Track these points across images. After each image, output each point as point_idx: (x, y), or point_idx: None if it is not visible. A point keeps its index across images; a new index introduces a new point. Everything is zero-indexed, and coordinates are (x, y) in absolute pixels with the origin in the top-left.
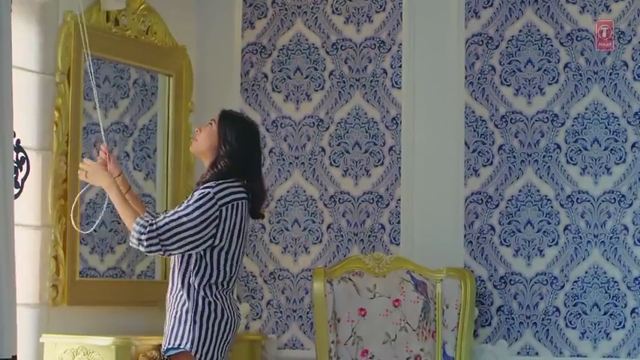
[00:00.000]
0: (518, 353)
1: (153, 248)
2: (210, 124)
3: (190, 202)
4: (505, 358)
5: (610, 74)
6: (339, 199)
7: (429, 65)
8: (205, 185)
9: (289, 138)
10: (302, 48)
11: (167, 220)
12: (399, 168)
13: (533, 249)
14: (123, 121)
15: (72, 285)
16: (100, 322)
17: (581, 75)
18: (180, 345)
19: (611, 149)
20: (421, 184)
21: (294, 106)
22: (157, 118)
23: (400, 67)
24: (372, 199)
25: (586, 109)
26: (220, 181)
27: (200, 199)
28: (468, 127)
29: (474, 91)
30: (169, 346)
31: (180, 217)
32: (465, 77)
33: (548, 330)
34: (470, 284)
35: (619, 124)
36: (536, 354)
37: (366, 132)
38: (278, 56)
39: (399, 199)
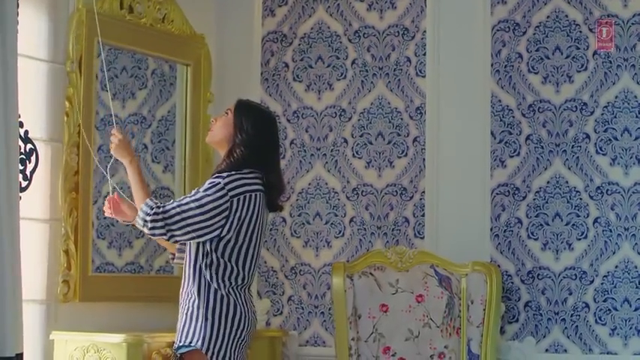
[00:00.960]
0: (547, 350)
1: (157, 231)
2: (227, 113)
3: (200, 190)
4: (533, 356)
5: None
6: (362, 191)
7: (454, 53)
8: (217, 174)
9: (311, 129)
10: (324, 36)
11: (175, 204)
12: (424, 159)
13: (562, 242)
14: (141, 112)
15: (84, 280)
16: (114, 318)
17: (610, 62)
18: (191, 342)
19: None
20: (446, 176)
21: (316, 96)
22: (175, 110)
23: (424, 55)
24: (396, 191)
25: (616, 97)
26: (233, 172)
27: (210, 187)
28: (494, 117)
29: (500, 79)
30: (181, 344)
31: (187, 203)
32: (491, 65)
33: (577, 326)
34: (496, 279)
35: None
36: (565, 351)
37: (390, 122)
38: (299, 45)
39: (424, 192)
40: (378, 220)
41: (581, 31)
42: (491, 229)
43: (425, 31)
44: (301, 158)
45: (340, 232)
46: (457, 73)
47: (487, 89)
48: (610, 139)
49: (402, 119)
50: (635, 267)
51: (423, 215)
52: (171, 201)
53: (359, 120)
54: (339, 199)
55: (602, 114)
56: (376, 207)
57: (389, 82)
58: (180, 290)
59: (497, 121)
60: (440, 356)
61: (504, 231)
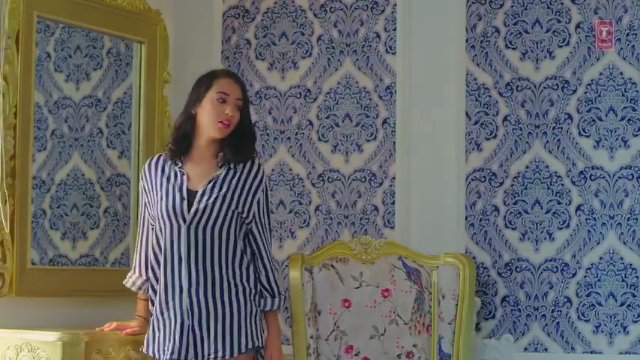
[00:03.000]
0: (526, 349)
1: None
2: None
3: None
4: (510, 355)
5: (627, 35)
6: (328, 177)
7: (426, 28)
8: (258, 164)
9: (274, 111)
10: (288, 11)
11: (268, 250)
12: (394, 143)
13: (542, 232)
14: (96, 94)
15: (22, 274)
16: (57, 315)
17: (594, 36)
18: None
19: (629, 119)
20: (418, 161)
21: (280, 75)
22: (132, 91)
23: (394, 30)
24: (364, 177)
25: (600, 74)
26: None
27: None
28: (469, 97)
29: (475, 55)
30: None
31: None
32: (466, 40)
33: (558, 323)
34: (469, 272)
35: (637, 91)
36: (545, 350)
37: (358, 103)
38: (262, 20)
39: (394, 178)
40: (345, 208)
41: (562, 3)
42: (465, 218)
43: (395, 5)
44: (264, 142)
45: (305, 221)
46: (430, 50)
47: (462, 66)
48: (594, 120)
49: (370, 99)
50: (621, 258)
51: (393, 203)
52: (264, 245)
53: (325, 101)
54: (303, 186)
55: (586, 92)
56: (343, 194)
57: (357, 59)
58: (201, 294)
59: (472, 101)
60: (408, 355)
61: (480, 220)
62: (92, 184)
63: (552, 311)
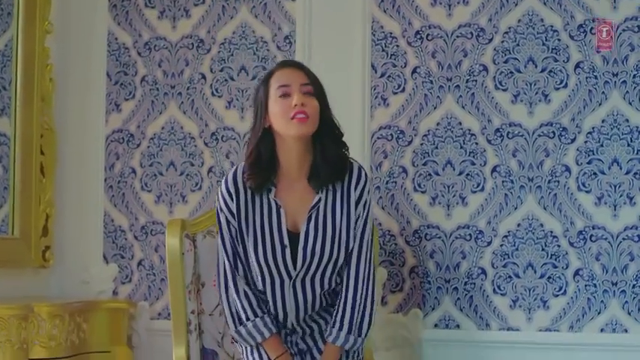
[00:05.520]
0: (436, 325)
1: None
2: (306, 92)
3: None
4: (419, 331)
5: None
6: (222, 136)
7: None
8: (365, 174)
9: (164, 63)
10: None
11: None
12: None
13: (454, 196)
14: None
15: None
16: None
17: None
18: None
19: (550, 71)
20: None
21: (170, 24)
22: (12, 44)
23: None
24: None
25: (519, 20)
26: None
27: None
28: (374, 47)
29: (382, 1)
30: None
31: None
32: None
33: (472, 297)
34: (374, 240)
35: (559, 40)
36: (457, 326)
37: (254, 54)
38: None
39: None
40: None
41: None
42: (371, 180)
43: None
44: (153, 98)
45: (197, 184)
46: None
47: (367, 14)
48: (511, 72)
49: (268, 50)
50: (541, 225)
51: None
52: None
53: (219, 52)
54: (196, 146)
55: (503, 41)
56: (238, 154)
57: (253, 6)
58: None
59: (378, 51)
60: None
61: (386, 182)
62: None
63: (465, 284)
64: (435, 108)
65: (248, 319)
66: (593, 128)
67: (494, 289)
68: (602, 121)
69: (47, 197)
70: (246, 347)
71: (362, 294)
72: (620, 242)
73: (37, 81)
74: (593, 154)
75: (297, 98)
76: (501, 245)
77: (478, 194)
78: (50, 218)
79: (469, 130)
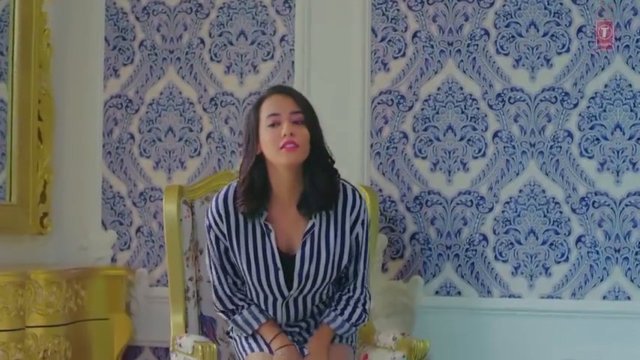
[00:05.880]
0: (437, 292)
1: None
2: (295, 120)
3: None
4: (420, 298)
5: None
6: (221, 101)
7: None
8: (359, 197)
9: (162, 28)
10: None
11: (364, 273)
12: (293, 62)
13: (455, 162)
14: None
15: None
16: None
17: None
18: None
19: (552, 35)
20: (318, 82)
21: None
22: (10, 8)
23: None
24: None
25: None
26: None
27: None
28: (375, 10)
29: None
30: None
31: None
32: None
33: (473, 264)
34: (372, 205)
35: (561, 4)
36: (459, 293)
37: (253, 18)
38: None
39: None
40: (239, 135)
41: None
42: (371, 146)
43: None
44: (152, 63)
45: (196, 150)
46: None
47: None
48: (513, 36)
49: (267, 14)
50: (543, 191)
51: None
52: (361, 271)
53: (218, 16)
54: (194, 112)
55: (504, 5)
56: (237, 120)
57: None
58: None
59: (378, 15)
60: None
61: (387, 148)
62: None
63: (466, 250)
64: (435, 73)
65: (243, 307)
66: (595, 93)
67: (495, 256)
68: (605, 85)
69: (45, 163)
70: (239, 336)
71: (362, 295)
72: (623, 209)
73: (34, 46)
74: (596, 119)
75: (287, 128)
76: (503, 211)
77: (479, 160)
78: (48, 184)
79: (470, 95)
